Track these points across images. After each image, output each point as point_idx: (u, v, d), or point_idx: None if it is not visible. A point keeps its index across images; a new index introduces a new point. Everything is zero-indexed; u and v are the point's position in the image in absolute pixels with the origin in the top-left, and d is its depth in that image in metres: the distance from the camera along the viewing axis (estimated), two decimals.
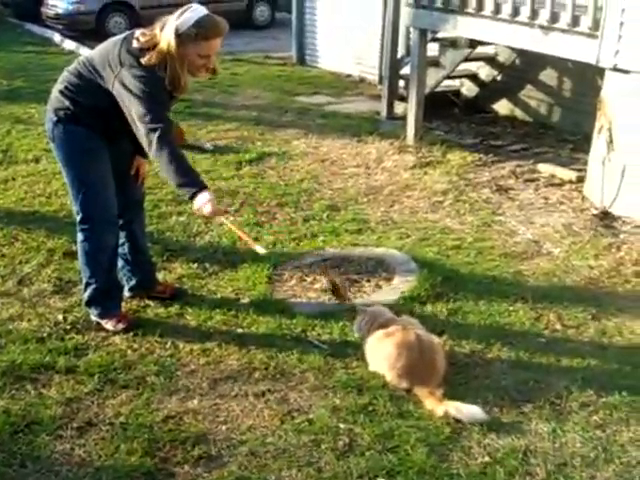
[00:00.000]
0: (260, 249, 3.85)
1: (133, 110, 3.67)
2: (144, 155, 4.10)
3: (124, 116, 3.78)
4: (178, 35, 3.67)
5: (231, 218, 3.75)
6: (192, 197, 3.70)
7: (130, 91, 3.67)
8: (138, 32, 3.81)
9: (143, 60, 3.68)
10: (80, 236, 4.09)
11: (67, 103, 3.88)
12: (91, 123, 3.90)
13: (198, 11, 3.75)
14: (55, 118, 3.92)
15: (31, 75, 11.25)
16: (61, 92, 3.92)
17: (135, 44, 3.75)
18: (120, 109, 3.77)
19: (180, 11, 3.74)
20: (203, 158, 7.18)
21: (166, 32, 3.70)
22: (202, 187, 3.72)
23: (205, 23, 3.73)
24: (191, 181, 3.73)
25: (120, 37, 3.88)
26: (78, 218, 4.07)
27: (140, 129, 3.68)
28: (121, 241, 4.30)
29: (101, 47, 3.91)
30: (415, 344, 3.62)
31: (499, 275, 4.82)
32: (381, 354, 3.67)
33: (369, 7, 9.74)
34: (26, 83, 10.65)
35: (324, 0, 11.60)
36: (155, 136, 3.64)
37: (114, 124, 3.87)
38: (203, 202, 3.70)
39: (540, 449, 3.22)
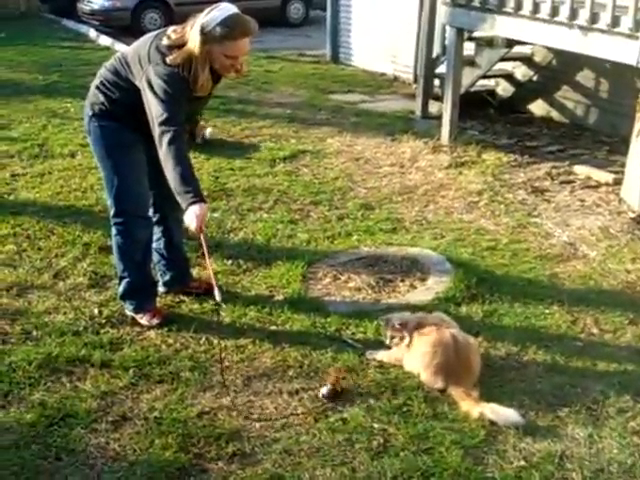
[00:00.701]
0: (217, 295, 3.66)
1: (152, 108, 3.68)
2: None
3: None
4: (203, 34, 3.62)
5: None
6: (187, 207, 3.64)
7: (152, 89, 3.67)
8: (170, 29, 3.79)
9: (169, 59, 3.67)
10: (113, 230, 4.13)
11: (102, 98, 3.92)
12: (125, 119, 3.92)
13: (226, 9, 3.66)
14: (91, 112, 3.97)
15: (67, 70, 11.36)
16: (97, 87, 3.96)
17: (165, 41, 3.75)
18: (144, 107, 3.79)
19: (208, 9, 3.67)
20: (237, 155, 7.19)
21: (193, 31, 3.66)
22: (200, 199, 3.66)
23: (231, 22, 3.64)
24: (191, 190, 3.66)
25: (154, 34, 3.90)
26: (111, 212, 4.10)
27: (155, 128, 3.67)
28: (157, 236, 4.32)
29: (136, 43, 3.94)
30: (451, 343, 3.60)
31: (535, 277, 4.78)
32: (416, 353, 3.65)
33: (405, 5, 9.70)
34: (62, 78, 10.76)
35: None
36: (167, 138, 3.63)
37: (146, 120, 3.89)
38: (193, 216, 3.63)
39: (576, 454, 3.18)
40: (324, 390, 3.54)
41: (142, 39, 3.92)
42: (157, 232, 4.33)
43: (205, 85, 3.78)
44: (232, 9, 3.69)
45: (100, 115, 3.95)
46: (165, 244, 4.39)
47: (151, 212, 4.26)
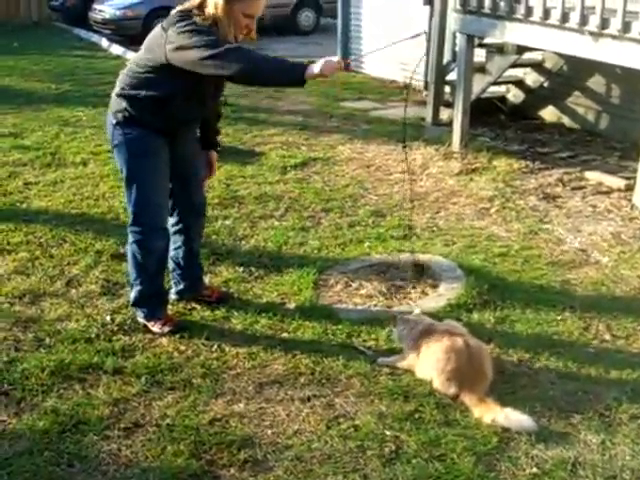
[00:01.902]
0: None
1: (196, 55, 3.59)
2: (211, 145, 4.29)
3: (186, 101, 3.84)
4: None
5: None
6: (303, 75, 3.54)
7: (183, 42, 3.63)
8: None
9: (185, 13, 3.72)
10: (130, 238, 4.13)
11: (125, 104, 3.91)
12: (152, 121, 3.91)
13: None
14: (115, 120, 3.96)
15: (79, 79, 11.44)
16: (118, 95, 3.96)
17: (173, 11, 3.81)
18: (181, 95, 3.81)
19: None
20: (248, 162, 7.21)
21: None
22: (304, 65, 3.59)
23: None
24: (292, 64, 3.63)
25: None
26: (129, 221, 4.11)
27: (214, 63, 3.57)
28: (176, 245, 4.33)
29: (144, 42, 3.96)
30: (463, 349, 3.59)
31: (546, 284, 4.77)
32: (429, 359, 3.65)
33: (415, 12, 9.69)
34: (74, 87, 10.85)
35: (369, 6, 11.59)
36: (230, 52, 3.55)
37: (176, 115, 3.92)
38: (323, 63, 3.54)
39: (589, 461, 3.16)
40: None
41: (147, 38, 3.94)
42: (178, 241, 4.33)
43: (226, 35, 3.78)
44: None
45: (125, 122, 3.93)
46: (184, 253, 4.38)
47: (174, 221, 4.27)
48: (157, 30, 3.83)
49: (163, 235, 4.16)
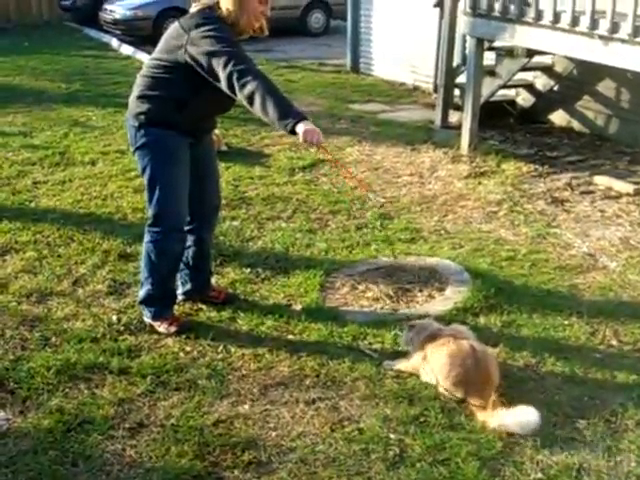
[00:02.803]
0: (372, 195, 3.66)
1: (214, 64, 3.64)
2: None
3: (205, 101, 3.86)
4: None
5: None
6: (294, 127, 3.57)
7: (204, 47, 3.67)
8: (192, 6, 3.90)
9: (207, 14, 3.77)
10: (147, 237, 4.14)
11: (146, 106, 3.92)
12: (173, 121, 3.91)
13: None
14: (137, 123, 3.95)
15: (89, 79, 11.48)
16: (138, 97, 3.96)
17: (192, 9, 3.85)
18: (199, 95, 3.83)
19: None
20: (256, 164, 7.22)
21: None
22: (303, 117, 3.62)
23: None
24: (293, 111, 3.62)
25: (173, 24, 3.96)
26: (148, 221, 4.12)
27: (227, 78, 3.61)
28: (187, 244, 4.32)
29: (160, 42, 3.98)
30: (469, 353, 3.58)
31: (554, 288, 4.75)
32: (435, 364, 3.64)
33: (425, 15, 9.69)
34: (84, 87, 10.88)
35: (380, 8, 11.59)
36: (245, 73, 3.58)
37: (196, 114, 3.93)
38: (311, 131, 3.58)
39: (594, 467, 3.15)
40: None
41: (164, 34, 3.97)
42: (189, 240, 4.33)
43: (247, 28, 3.87)
44: None
45: (147, 124, 3.93)
46: (194, 253, 4.39)
47: (187, 220, 4.25)
48: (176, 30, 3.84)
49: (180, 238, 4.17)
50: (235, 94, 3.64)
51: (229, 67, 3.59)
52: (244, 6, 3.80)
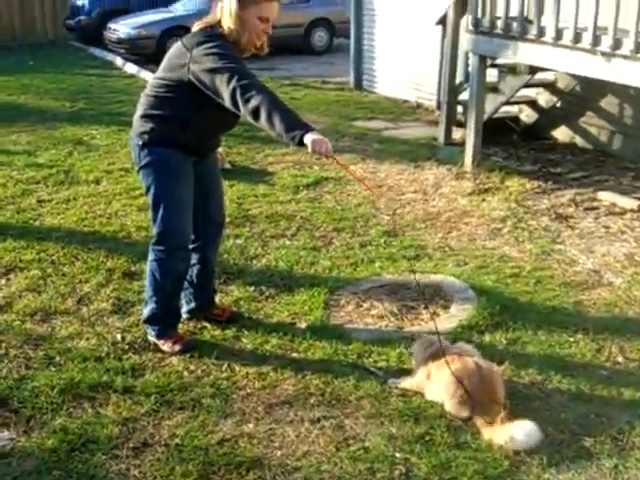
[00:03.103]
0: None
1: (217, 81, 3.64)
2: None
3: (209, 119, 3.88)
4: (239, 0, 3.77)
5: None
6: (301, 138, 3.50)
7: (207, 64, 3.68)
8: (194, 25, 3.92)
9: (208, 32, 3.80)
10: (151, 256, 4.14)
11: (150, 125, 3.92)
12: (177, 140, 3.92)
13: None
14: (140, 142, 3.96)
15: (93, 97, 11.52)
16: (142, 116, 3.97)
17: (195, 28, 3.87)
18: (203, 113, 3.84)
19: None
20: (260, 181, 7.23)
21: (226, 1, 3.81)
22: (310, 128, 3.55)
23: None
24: (300, 123, 3.56)
25: (176, 43, 3.97)
26: (153, 240, 4.12)
27: (230, 94, 3.58)
28: (192, 262, 4.31)
29: (163, 61, 3.99)
30: (475, 371, 3.56)
31: (559, 305, 4.73)
32: (440, 382, 3.62)
33: (427, 33, 9.73)
34: (88, 105, 10.92)
35: (382, 26, 11.63)
36: (249, 87, 3.56)
37: (200, 132, 3.94)
38: (319, 141, 3.50)
39: None
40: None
41: (167, 53, 3.99)
42: (193, 258, 4.32)
43: (248, 46, 3.89)
44: None
45: (151, 143, 3.94)
46: (198, 271, 4.38)
47: (192, 238, 4.24)
48: (178, 49, 3.86)
49: (185, 256, 4.17)
50: (239, 110, 3.62)
51: (232, 83, 3.58)
52: (245, 24, 3.81)
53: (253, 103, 3.55)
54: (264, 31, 3.89)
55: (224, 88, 3.62)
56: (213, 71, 3.66)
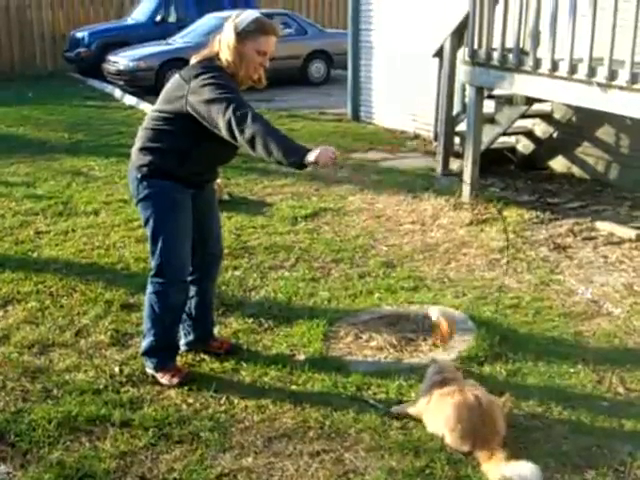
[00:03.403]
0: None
1: (214, 111, 3.67)
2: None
3: (207, 152, 3.90)
4: (237, 33, 3.82)
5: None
6: (302, 160, 3.55)
7: (204, 95, 3.71)
8: (192, 58, 3.96)
9: (206, 64, 3.84)
10: (149, 288, 4.13)
11: (148, 158, 3.94)
12: (176, 172, 3.93)
13: (253, 12, 3.95)
14: (139, 175, 3.97)
15: (92, 129, 11.56)
16: (140, 149, 3.98)
17: (193, 60, 3.92)
18: (201, 145, 3.86)
19: (234, 15, 3.91)
20: (259, 213, 7.24)
21: (225, 34, 3.86)
22: (308, 149, 3.59)
23: (262, 20, 3.92)
24: (297, 146, 3.62)
25: (175, 75, 3.99)
26: (152, 272, 4.12)
27: (226, 124, 3.61)
28: (190, 294, 4.30)
29: (161, 94, 4.02)
30: (475, 405, 3.54)
31: (558, 335, 4.72)
32: (440, 415, 3.59)
33: (424, 64, 9.79)
34: (87, 137, 10.95)
35: (380, 57, 11.72)
36: (244, 118, 3.58)
37: (198, 165, 3.96)
38: (323, 152, 3.54)
39: None
40: None
41: (165, 86, 4.01)
42: (191, 291, 4.31)
43: (245, 79, 3.94)
44: (257, 13, 3.95)
45: (150, 175, 3.94)
46: (196, 303, 4.38)
47: (189, 270, 4.24)
48: (176, 81, 3.89)
49: (183, 288, 4.16)
50: (236, 139, 3.64)
51: (228, 113, 3.61)
52: (243, 57, 3.85)
53: (249, 132, 3.57)
54: (261, 64, 3.93)
55: (220, 118, 3.64)
56: (210, 102, 3.69)
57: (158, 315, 4.11)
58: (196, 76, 3.78)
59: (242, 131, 3.59)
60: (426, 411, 3.70)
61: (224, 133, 3.67)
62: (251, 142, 3.59)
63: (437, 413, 3.62)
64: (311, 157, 3.53)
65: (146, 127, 4.01)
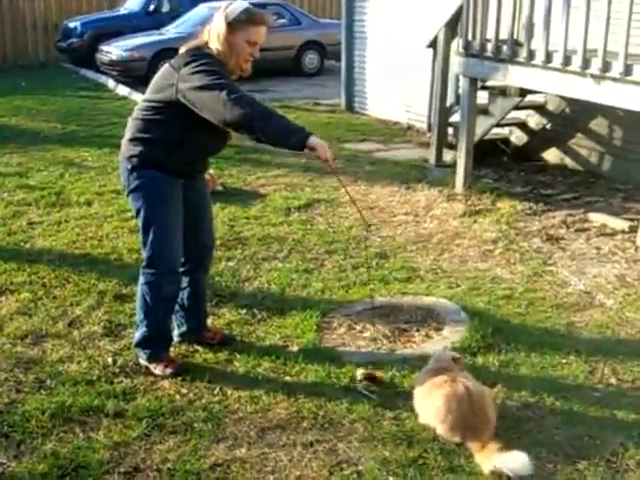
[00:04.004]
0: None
1: (206, 98, 3.66)
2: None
3: (198, 142, 3.90)
4: (228, 23, 3.81)
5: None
6: (304, 141, 3.61)
7: (194, 82, 3.70)
8: (181, 48, 3.95)
9: (196, 52, 3.82)
10: (141, 279, 4.12)
11: (138, 148, 3.92)
12: (166, 163, 3.92)
13: (244, 2, 3.91)
14: (130, 166, 3.96)
15: (85, 119, 11.53)
16: (130, 140, 3.97)
17: (182, 49, 3.90)
18: (191, 135, 3.85)
19: (224, 5, 3.89)
20: (252, 204, 7.23)
21: (215, 24, 3.86)
22: (309, 132, 3.66)
23: (253, 10, 3.89)
24: (298, 127, 3.68)
25: (164, 65, 3.99)
26: (143, 263, 4.11)
27: (221, 109, 3.62)
28: (182, 286, 4.30)
29: (151, 84, 4.01)
30: (465, 396, 3.54)
31: (551, 326, 4.74)
32: (431, 406, 3.60)
33: (418, 55, 9.79)
34: (80, 127, 10.93)
35: (373, 48, 11.70)
36: (238, 101, 3.59)
37: (189, 155, 3.95)
38: (323, 145, 3.66)
39: None
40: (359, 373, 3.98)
41: (155, 76, 3.99)
42: (183, 282, 4.31)
43: (235, 68, 3.91)
44: (247, 3, 3.92)
45: (141, 166, 3.93)
46: (189, 294, 4.38)
47: (181, 261, 4.24)
48: (166, 70, 3.88)
49: (175, 279, 4.16)
50: (232, 124, 3.65)
51: (222, 97, 3.60)
52: (233, 47, 3.84)
53: (246, 115, 3.58)
54: (252, 54, 3.92)
55: (214, 104, 3.63)
56: (201, 88, 3.68)
57: (150, 306, 4.11)
58: (186, 64, 3.77)
59: (238, 114, 3.58)
60: (418, 402, 3.72)
61: (218, 118, 3.66)
62: (249, 125, 3.61)
63: (428, 404, 3.63)
64: (313, 142, 3.60)
65: (136, 117, 3.99)
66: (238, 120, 3.60)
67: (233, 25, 3.82)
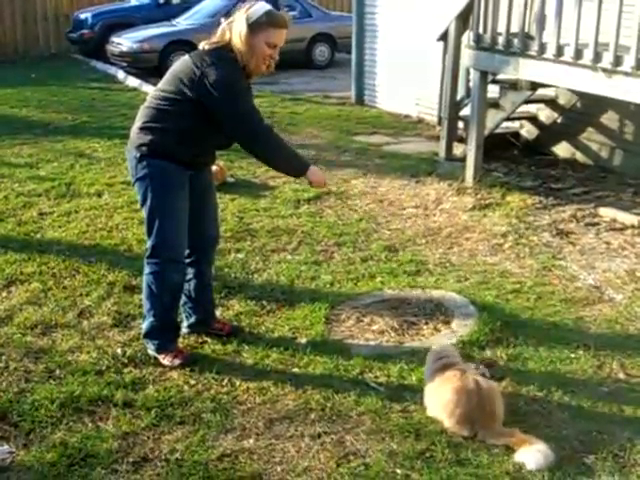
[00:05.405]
0: None
1: (225, 110, 3.83)
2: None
3: (208, 135, 3.96)
4: (249, 25, 3.84)
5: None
6: (306, 169, 4.03)
7: (217, 91, 3.79)
8: (202, 43, 3.98)
9: (220, 54, 3.87)
10: (146, 269, 4.14)
11: (148, 137, 3.94)
12: (175, 153, 3.95)
13: (264, 5, 3.96)
14: (138, 154, 3.97)
15: (95, 111, 11.56)
16: (141, 129, 3.98)
17: (205, 46, 3.93)
18: (202, 128, 3.91)
19: (246, 7, 3.92)
20: (261, 196, 7.24)
21: (237, 25, 3.88)
22: (309, 163, 4.08)
23: (274, 13, 3.95)
24: (303, 160, 4.12)
25: (183, 57, 4.03)
26: (147, 253, 4.13)
27: (236, 128, 3.89)
28: (188, 277, 4.32)
29: (167, 75, 4.02)
30: (474, 390, 3.54)
31: (560, 321, 4.73)
32: (439, 400, 3.61)
33: (429, 48, 9.76)
34: (90, 118, 10.96)
35: (384, 41, 11.67)
36: (257, 130, 3.91)
37: (198, 147, 4.00)
38: (320, 174, 4.11)
39: None
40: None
41: (172, 68, 4.03)
42: (189, 273, 4.33)
43: (254, 70, 3.99)
44: (269, 5, 4.00)
45: (149, 155, 3.96)
46: (195, 285, 4.39)
47: (187, 253, 4.25)
48: (186, 65, 3.89)
49: (180, 269, 4.17)
50: (249, 148, 4.00)
51: (242, 122, 3.87)
52: (254, 49, 3.86)
53: (263, 145, 3.96)
54: (271, 56, 3.96)
55: (231, 123, 3.88)
56: (222, 103, 3.81)
57: (156, 295, 4.13)
58: (209, 66, 3.80)
59: (253, 141, 3.93)
60: (426, 395, 3.72)
61: (229, 135, 3.96)
62: (264, 154, 4.04)
63: (436, 398, 3.64)
64: (311, 175, 4.04)
65: (148, 106, 4.01)
66: (257, 149, 3.98)
67: (254, 27, 3.84)
